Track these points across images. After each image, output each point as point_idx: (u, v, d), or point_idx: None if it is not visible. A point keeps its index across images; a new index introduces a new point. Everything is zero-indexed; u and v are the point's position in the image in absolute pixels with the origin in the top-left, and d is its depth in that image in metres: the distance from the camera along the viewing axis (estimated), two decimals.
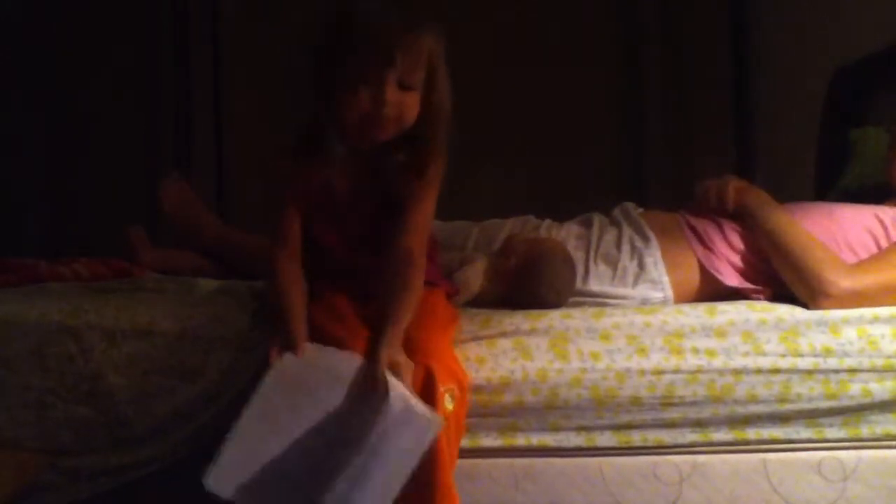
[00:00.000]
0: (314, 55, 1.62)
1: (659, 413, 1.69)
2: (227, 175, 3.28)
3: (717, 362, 1.70)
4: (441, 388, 1.51)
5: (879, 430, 1.71)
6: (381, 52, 1.55)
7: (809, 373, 1.70)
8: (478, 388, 1.65)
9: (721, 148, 3.17)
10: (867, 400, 1.69)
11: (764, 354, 1.70)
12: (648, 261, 1.92)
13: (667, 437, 1.70)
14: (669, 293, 1.90)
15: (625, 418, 1.69)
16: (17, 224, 3.09)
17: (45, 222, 3.21)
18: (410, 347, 1.53)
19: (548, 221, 2.09)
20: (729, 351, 1.70)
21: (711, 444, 1.70)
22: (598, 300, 1.88)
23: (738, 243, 1.93)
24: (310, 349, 1.53)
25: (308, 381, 1.50)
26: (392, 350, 1.50)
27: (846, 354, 1.70)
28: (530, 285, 1.83)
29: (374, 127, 1.59)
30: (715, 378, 1.69)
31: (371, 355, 1.50)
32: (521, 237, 1.96)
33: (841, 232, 1.91)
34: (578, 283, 1.88)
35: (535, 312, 1.77)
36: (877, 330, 1.72)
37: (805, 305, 1.78)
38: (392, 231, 1.63)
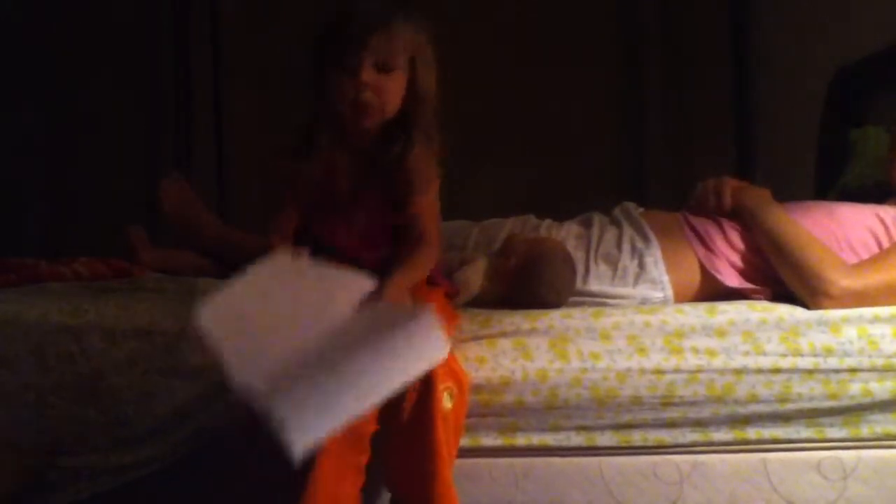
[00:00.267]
0: (310, 54, 1.67)
1: (659, 413, 1.69)
2: (227, 175, 3.28)
3: (718, 362, 1.70)
4: (440, 387, 1.51)
5: (880, 429, 1.71)
6: (355, 36, 1.60)
7: (810, 372, 1.70)
8: (478, 388, 1.65)
9: (721, 148, 3.17)
10: (867, 400, 1.69)
11: (764, 354, 1.70)
12: (649, 260, 1.92)
13: (667, 436, 1.70)
14: (669, 293, 1.90)
15: (625, 418, 1.69)
16: (17, 224, 3.09)
17: (45, 222, 3.21)
18: None
19: (548, 221, 2.08)
20: (729, 351, 1.70)
21: (712, 443, 1.70)
22: (599, 300, 1.88)
23: (739, 243, 1.92)
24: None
25: (305, 273, 1.54)
26: (396, 289, 1.53)
27: (847, 354, 1.70)
28: (530, 285, 1.83)
29: (358, 113, 1.62)
30: (715, 378, 1.69)
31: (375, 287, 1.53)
32: (521, 237, 1.96)
33: (842, 231, 1.91)
34: (578, 283, 1.88)
35: (535, 312, 1.77)
36: (877, 330, 1.71)
37: (805, 305, 1.78)
38: (402, 225, 1.66)
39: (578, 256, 1.92)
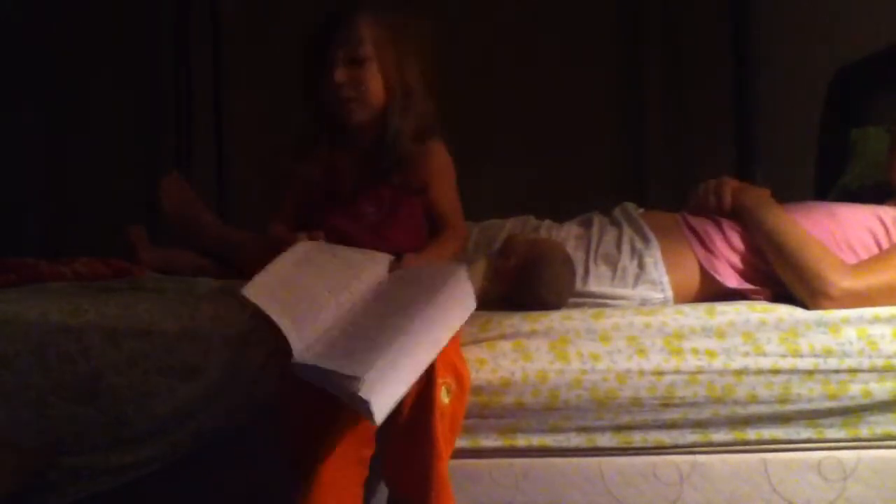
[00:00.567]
0: (300, 63, 1.76)
1: (659, 414, 1.69)
2: (227, 175, 3.28)
3: (717, 363, 1.70)
4: (438, 381, 1.52)
5: (879, 430, 1.71)
6: (324, 36, 1.69)
7: (809, 373, 1.70)
8: (478, 390, 1.65)
9: (721, 148, 3.17)
10: (867, 400, 1.69)
11: (764, 355, 1.70)
12: (648, 261, 1.92)
13: (667, 437, 1.70)
14: (669, 294, 1.89)
15: (625, 419, 1.69)
16: (17, 224, 3.09)
17: (45, 222, 3.21)
18: None
19: (547, 222, 2.08)
20: (729, 351, 1.70)
21: (711, 444, 1.71)
22: (598, 301, 1.87)
23: (739, 244, 1.92)
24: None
25: (330, 253, 1.61)
26: (415, 259, 1.62)
27: (846, 355, 1.70)
28: (530, 286, 1.83)
29: (343, 110, 1.69)
30: (715, 379, 1.69)
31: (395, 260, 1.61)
32: (521, 238, 1.96)
33: (841, 232, 1.91)
34: (578, 284, 1.88)
35: (534, 314, 1.77)
36: (877, 330, 1.71)
37: (805, 306, 1.78)
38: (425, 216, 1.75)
39: (578, 257, 1.92)
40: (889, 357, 1.70)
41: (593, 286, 1.89)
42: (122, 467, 1.68)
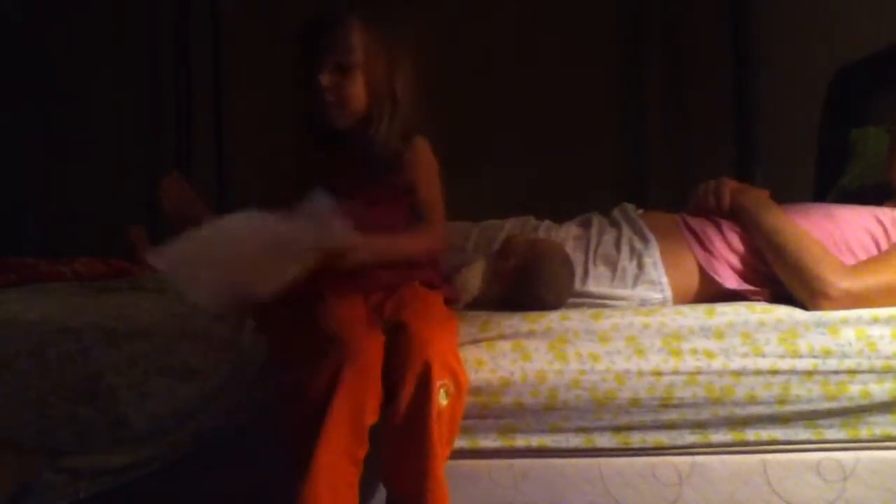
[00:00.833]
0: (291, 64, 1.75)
1: (658, 414, 1.69)
2: (227, 175, 3.28)
3: (716, 364, 1.70)
4: (437, 383, 1.52)
5: (878, 431, 1.71)
6: (312, 41, 1.69)
7: (808, 374, 1.70)
8: (477, 390, 1.65)
9: (721, 148, 3.17)
10: (866, 401, 1.69)
11: (763, 356, 1.70)
12: (647, 262, 1.92)
13: (666, 438, 1.70)
14: (668, 294, 1.89)
15: (624, 420, 1.69)
16: (17, 224, 3.09)
17: (45, 222, 3.22)
18: (409, 339, 1.54)
19: (547, 222, 2.08)
20: (728, 352, 1.70)
21: (710, 445, 1.70)
22: (597, 301, 1.87)
23: (738, 244, 1.92)
24: None
25: (268, 221, 1.63)
26: (368, 246, 1.60)
27: (845, 356, 1.70)
28: (529, 286, 1.83)
29: (325, 115, 1.69)
30: (714, 379, 1.69)
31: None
32: (520, 238, 1.96)
33: (840, 233, 1.90)
34: (577, 285, 1.88)
35: (533, 314, 1.77)
36: (876, 331, 1.71)
37: (804, 306, 1.78)
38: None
39: (577, 258, 1.92)
40: (888, 358, 1.70)
41: (592, 286, 1.89)
42: (121, 467, 1.67)
